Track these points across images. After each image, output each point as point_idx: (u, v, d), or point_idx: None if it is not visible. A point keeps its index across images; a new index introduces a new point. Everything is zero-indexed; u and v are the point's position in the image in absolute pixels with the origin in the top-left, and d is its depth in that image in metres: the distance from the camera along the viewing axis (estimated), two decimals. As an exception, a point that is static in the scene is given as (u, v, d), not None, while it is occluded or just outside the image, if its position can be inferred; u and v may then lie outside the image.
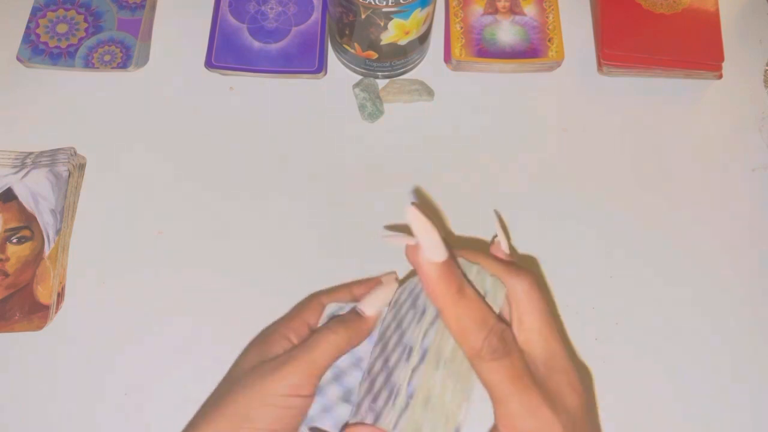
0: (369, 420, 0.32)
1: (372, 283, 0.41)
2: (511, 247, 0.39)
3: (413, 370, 0.30)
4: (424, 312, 0.32)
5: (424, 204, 0.53)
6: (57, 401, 0.46)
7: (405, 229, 0.50)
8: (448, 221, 0.52)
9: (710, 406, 0.47)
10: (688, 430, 0.47)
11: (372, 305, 0.38)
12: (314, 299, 0.41)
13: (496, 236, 0.35)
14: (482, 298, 0.30)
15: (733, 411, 0.47)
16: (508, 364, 0.28)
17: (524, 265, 0.34)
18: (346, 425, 0.34)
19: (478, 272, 0.32)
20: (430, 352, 0.30)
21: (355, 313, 0.38)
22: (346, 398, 0.37)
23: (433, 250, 0.29)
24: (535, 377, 0.29)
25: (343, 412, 0.37)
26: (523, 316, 0.31)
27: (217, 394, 0.37)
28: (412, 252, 0.29)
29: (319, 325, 0.40)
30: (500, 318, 0.30)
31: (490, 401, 0.29)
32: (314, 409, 0.36)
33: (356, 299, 0.41)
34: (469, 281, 0.30)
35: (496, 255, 0.34)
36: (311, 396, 0.35)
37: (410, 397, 0.29)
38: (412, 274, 0.47)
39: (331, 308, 0.41)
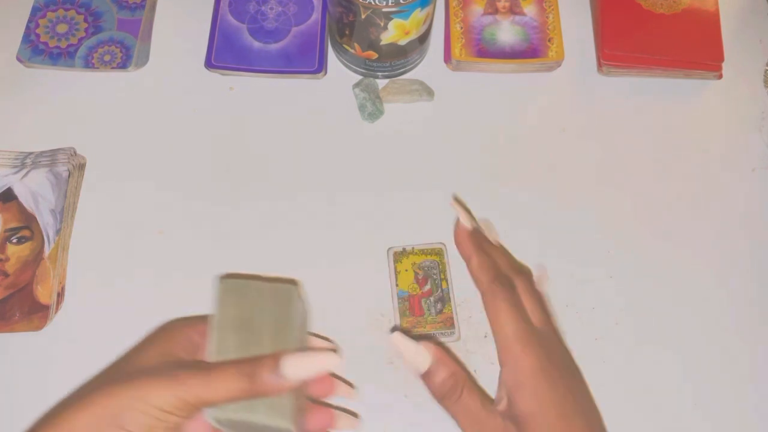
0: None
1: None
2: (474, 221, 0.41)
3: None
4: None
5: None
6: (57, 401, 0.46)
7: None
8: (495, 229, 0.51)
9: (711, 405, 0.47)
10: (689, 430, 0.47)
11: (295, 371, 0.34)
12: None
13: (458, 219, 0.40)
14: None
15: (734, 410, 0.47)
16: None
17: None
18: None
19: None
20: None
21: (270, 370, 0.34)
22: None
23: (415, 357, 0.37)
24: None
25: None
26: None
27: (104, 375, 0.35)
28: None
29: None
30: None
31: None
32: None
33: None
34: None
35: (461, 234, 0.40)
36: (188, 418, 0.34)
37: None
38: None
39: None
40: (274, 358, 0.34)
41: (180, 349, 0.36)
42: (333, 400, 0.42)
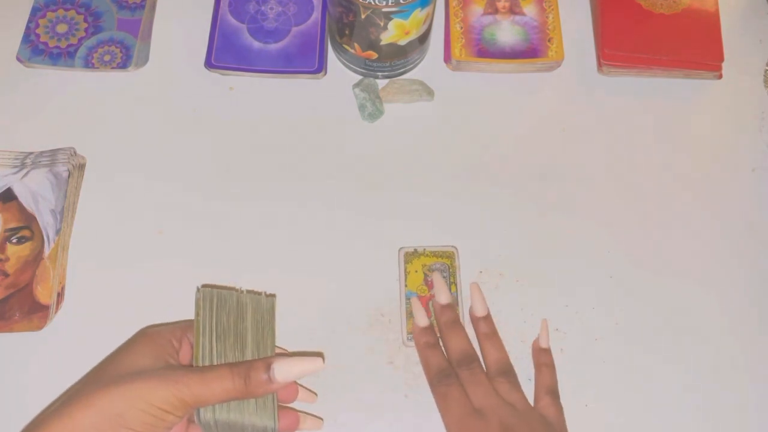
0: None
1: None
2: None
3: None
4: None
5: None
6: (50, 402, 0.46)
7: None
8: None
9: (711, 405, 0.47)
10: (689, 429, 0.47)
11: (285, 373, 0.37)
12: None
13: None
14: None
15: (734, 410, 0.47)
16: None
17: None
18: None
19: None
20: None
21: (264, 372, 0.37)
22: None
23: None
24: None
25: None
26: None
27: (98, 378, 0.36)
28: None
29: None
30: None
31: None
32: None
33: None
34: None
35: (414, 331, 0.47)
36: (183, 417, 0.36)
37: None
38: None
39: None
40: (266, 361, 0.37)
41: (166, 353, 0.38)
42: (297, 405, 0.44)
